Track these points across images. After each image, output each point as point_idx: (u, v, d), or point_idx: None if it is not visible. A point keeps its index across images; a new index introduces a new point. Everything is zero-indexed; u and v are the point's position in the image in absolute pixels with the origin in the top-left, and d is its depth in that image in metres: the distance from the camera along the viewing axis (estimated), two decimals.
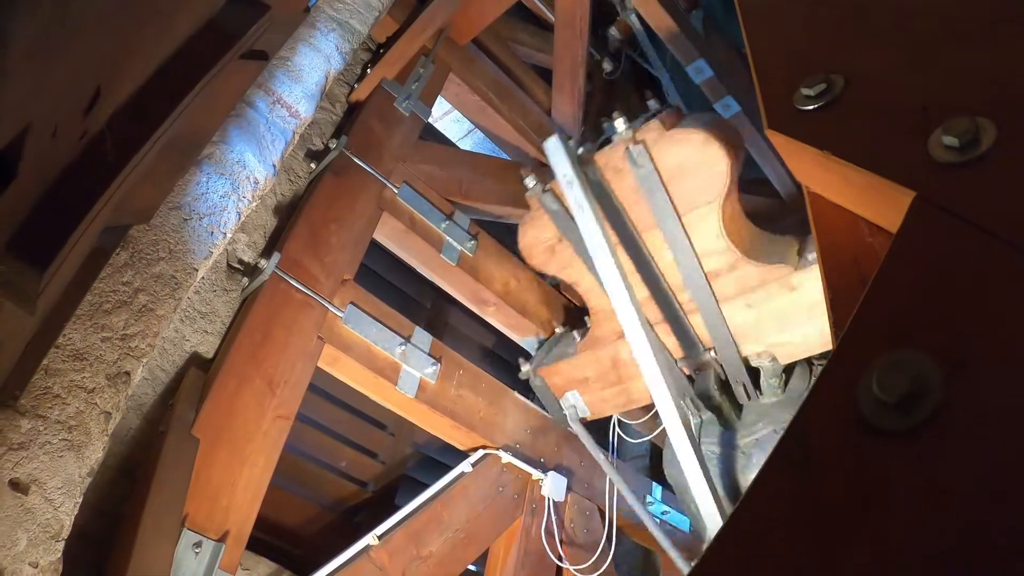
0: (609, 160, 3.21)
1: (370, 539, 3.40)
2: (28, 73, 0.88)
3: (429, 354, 3.89)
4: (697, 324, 3.43)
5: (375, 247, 4.18)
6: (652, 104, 3.39)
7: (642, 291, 3.40)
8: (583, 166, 3.13)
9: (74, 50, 0.99)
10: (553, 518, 4.24)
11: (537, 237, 3.56)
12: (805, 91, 0.94)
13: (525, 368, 4.13)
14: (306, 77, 3.38)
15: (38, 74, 0.91)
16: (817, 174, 0.95)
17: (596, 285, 3.46)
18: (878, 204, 0.85)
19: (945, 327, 0.68)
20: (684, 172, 3.06)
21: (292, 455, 4.62)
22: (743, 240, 3.23)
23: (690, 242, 3.20)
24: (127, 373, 2.50)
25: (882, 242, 0.86)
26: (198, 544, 2.75)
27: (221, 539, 2.82)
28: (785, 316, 3.17)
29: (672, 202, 3.13)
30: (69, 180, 1.32)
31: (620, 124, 3.08)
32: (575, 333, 4.11)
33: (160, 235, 2.66)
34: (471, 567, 4.35)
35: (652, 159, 3.08)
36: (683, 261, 3.24)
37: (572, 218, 3.14)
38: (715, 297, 3.27)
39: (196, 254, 2.72)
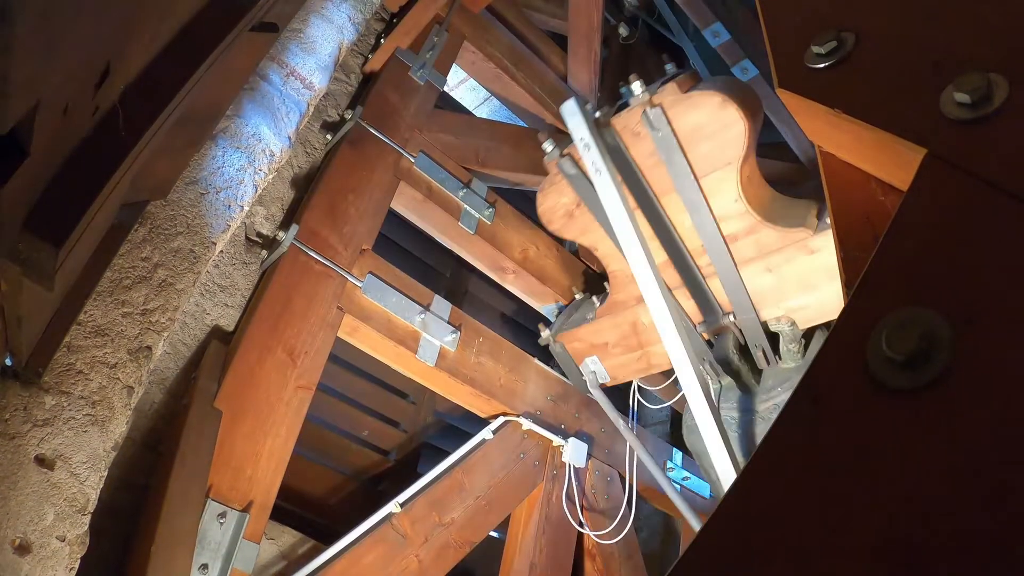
0: (627, 124, 3.20)
1: (392, 507, 3.43)
2: (36, 49, 0.88)
3: (448, 322, 3.90)
4: (716, 288, 3.43)
5: (393, 216, 4.18)
6: (670, 67, 3.36)
7: (660, 255, 3.39)
8: (600, 130, 3.12)
9: (82, 25, 0.99)
10: (574, 484, 4.26)
11: (556, 202, 3.57)
12: (816, 49, 0.93)
13: (545, 334, 4.13)
14: (319, 48, 3.38)
15: (46, 50, 0.92)
16: (829, 133, 0.94)
17: (615, 250, 3.46)
18: (890, 162, 0.84)
19: (955, 284, 0.68)
20: (701, 135, 3.05)
21: (315, 425, 4.64)
22: (762, 203, 3.22)
23: (708, 205, 3.19)
24: (148, 348, 2.52)
25: (894, 201, 0.85)
26: (223, 515, 2.77)
27: (245, 509, 2.85)
28: (804, 280, 3.16)
29: (690, 165, 3.13)
30: (82, 157, 1.32)
31: (637, 87, 3.08)
32: (595, 299, 4.12)
33: (178, 210, 2.68)
34: (493, 533, 4.37)
35: (669, 122, 3.07)
36: (702, 225, 3.23)
37: (590, 182, 3.14)
38: (734, 261, 3.27)
39: (214, 228, 2.73)
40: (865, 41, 0.91)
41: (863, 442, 0.64)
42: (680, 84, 3.06)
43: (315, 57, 3.34)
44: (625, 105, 3.21)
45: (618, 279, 3.69)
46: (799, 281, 3.17)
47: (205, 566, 2.72)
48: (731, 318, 3.45)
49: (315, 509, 4.50)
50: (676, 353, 3.01)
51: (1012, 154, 0.71)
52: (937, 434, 0.60)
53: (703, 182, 3.15)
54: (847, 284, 0.88)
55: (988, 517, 0.55)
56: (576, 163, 3.31)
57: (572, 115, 3.01)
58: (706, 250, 3.29)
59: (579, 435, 4.41)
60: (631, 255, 3.05)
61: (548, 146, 3.41)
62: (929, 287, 0.70)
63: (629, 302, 3.67)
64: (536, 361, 4.40)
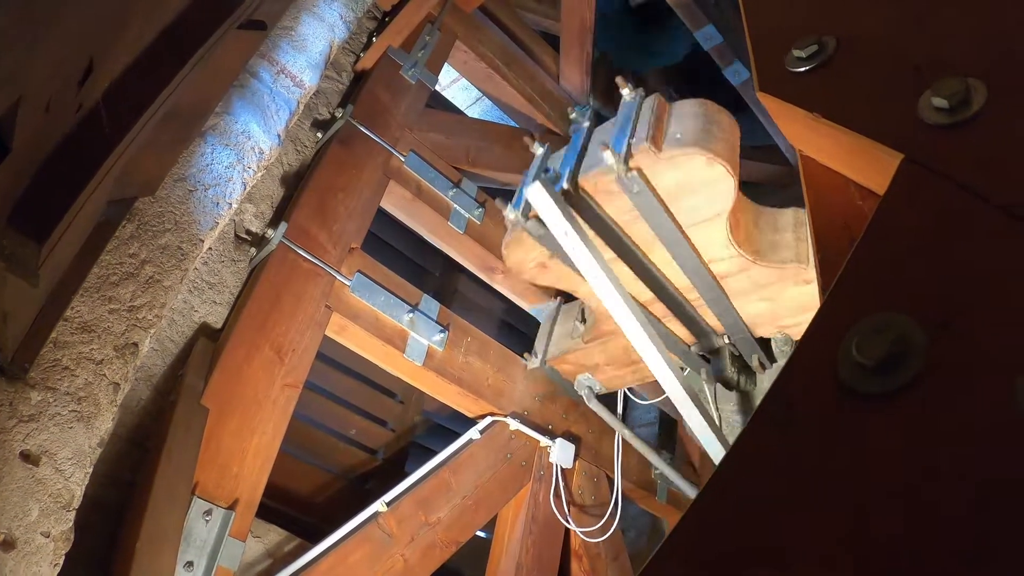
0: (599, 184, 2.98)
1: (378, 506, 3.43)
2: (18, 42, 0.88)
3: (437, 321, 3.90)
4: (708, 316, 3.42)
5: (383, 215, 4.18)
6: (626, 94, 3.17)
7: (646, 294, 3.36)
8: (570, 198, 2.98)
9: (65, 20, 0.99)
10: (561, 485, 4.26)
11: (524, 256, 3.44)
12: (797, 53, 0.94)
13: (532, 362, 4.12)
14: (310, 46, 3.38)
15: (29, 43, 0.92)
16: (809, 137, 0.95)
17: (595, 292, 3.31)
18: (868, 167, 0.84)
19: (929, 289, 0.68)
20: (685, 191, 2.89)
21: (303, 424, 4.65)
22: (752, 242, 3.15)
23: (697, 253, 3.11)
24: (135, 344, 2.52)
25: (871, 205, 0.85)
26: (208, 512, 2.77)
27: (231, 507, 2.84)
28: (800, 304, 3.15)
29: (673, 219, 2.98)
30: (66, 153, 1.32)
31: (608, 156, 2.78)
32: (577, 323, 4.07)
33: (166, 207, 2.67)
34: (480, 533, 4.38)
35: (647, 182, 2.86)
36: (690, 269, 3.17)
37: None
38: (727, 296, 3.24)
39: (201, 225, 2.73)
40: (846, 45, 0.91)
41: (832, 446, 0.64)
42: (654, 141, 2.81)
43: (306, 55, 3.34)
44: (596, 163, 2.98)
45: (603, 312, 3.62)
46: (795, 306, 3.16)
47: (190, 564, 2.72)
48: (725, 339, 3.45)
49: (302, 507, 4.50)
50: (668, 384, 3.02)
51: (988, 159, 0.71)
52: (908, 439, 0.60)
53: (689, 231, 3.04)
54: (823, 289, 0.89)
55: (959, 521, 0.55)
56: (543, 224, 3.07)
57: (539, 198, 2.84)
58: (696, 287, 3.25)
59: (567, 436, 4.42)
60: (611, 306, 3.00)
61: (510, 213, 3.15)
62: (902, 292, 0.70)
63: (617, 331, 3.62)
64: (524, 361, 4.40)
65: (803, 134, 0.95)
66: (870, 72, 0.87)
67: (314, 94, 3.68)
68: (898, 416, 0.62)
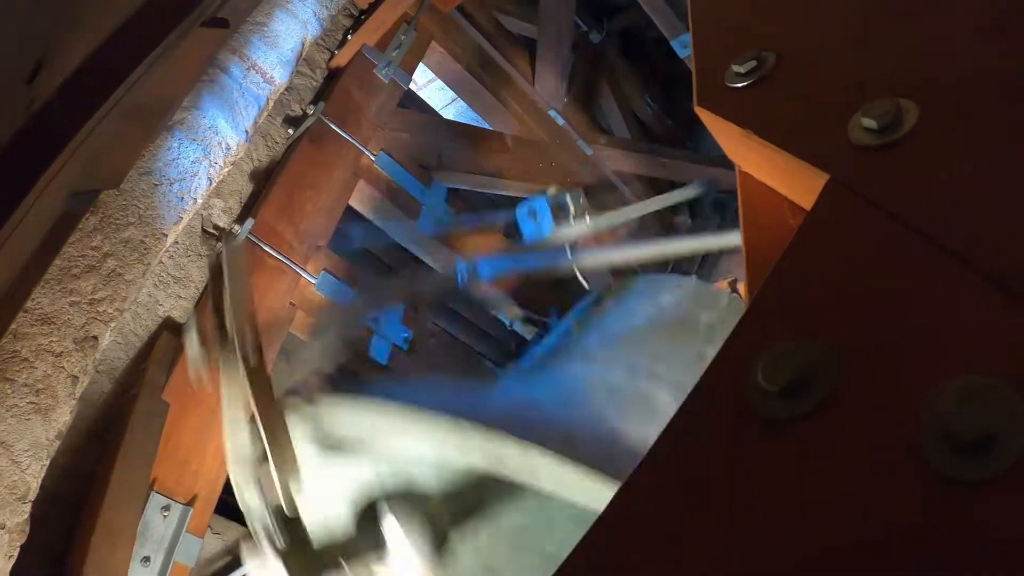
0: None
1: None
2: None
3: (402, 322, 3.90)
4: None
5: (351, 214, 4.17)
6: None
7: None
8: None
9: (7, 23, 0.99)
10: None
11: None
12: (736, 68, 0.92)
13: None
14: (282, 43, 3.37)
15: None
16: (744, 153, 0.95)
17: None
18: (798, 187, 0.84)
19: (842, 315, 0.68)
20: None
21: None
22: None
23: None
24: (95, 337, 2.50)
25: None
26: (166, 508, 2.76)
27: (189, 503, 2.84)
28: None
29: None
30: (17, 148, 1.32)
31: None
32: None
33: (130, 200, 2.66)
34: None
35: None
36: None
37: None
38: None
39: (166, 219, 2.72)
40: (785, 62, 0.91)
41: (736, 469, 0.64)
42: None
43: (277, 51, 3.33)
44: None
45: None
46: None
47: (147, 559, 2.71)
48: None
49: None
50: None
51: (912, 183, 0.71)
52: (810, 464, 0.60)
53: None
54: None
55: (853, 547, 0.55)
56: None
57: None
58: None
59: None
60: None
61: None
62: (815, 317, 0.70)
63: None
64: (488, 364, 4.41)
65: (739, 150, 0.94)
66: (805, 90, 0.87)
67: (287, 90, 3.67)
68: (801, 442, 0.62)
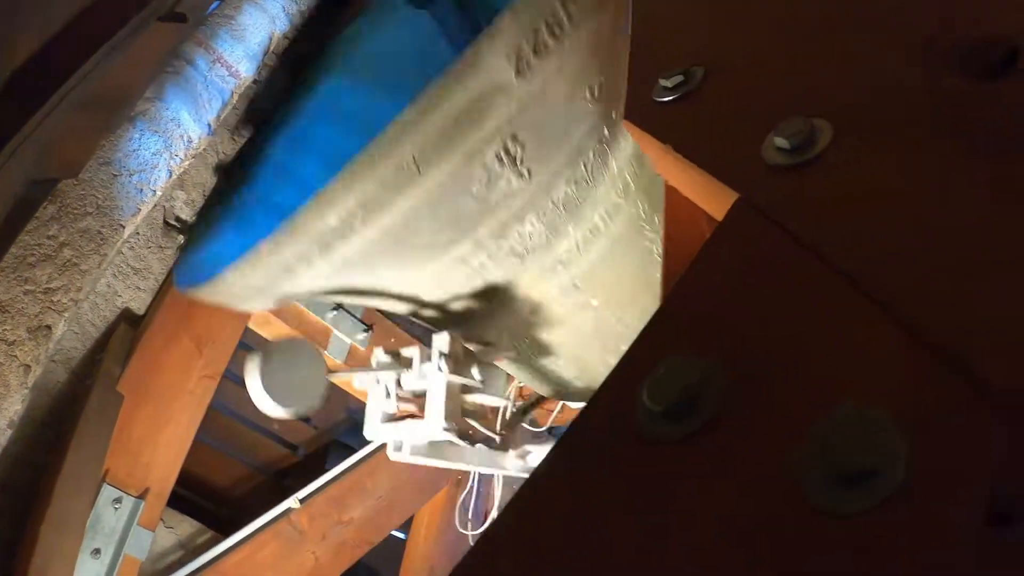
0: None
1: (291, 502, 3.43)
2: None
3: (360, 320, 3.89)
4: None
5: None
6: None
7: None
8: None
9: None
10: (480, 490, 4.27)
11: None
12: (663, 82, 0.91)
13: None
14: (249, 37, 3.34)
15: None
16: (667, 168, 0.93)
17: None
18: (715, 204, 0.82)
19: (733, 335, 0.67)
20: None
21: (225, 416, 4.61)
22: None
23: None
24: (48, 327, 2.48)
25: None
26: (118, 500, 2.75)
27: (141, 496, 2.83)
28: None
29: None
30: None
31: None
32: None
33: (88, 190, 2.64)
34: (396, 533, 4.37)
35: None
36: None
37: None
38: None
39: (124, 211, 2.70)
40: (712, 77, 0.89)
41: (622, 488, 0.63)
42: None
43: (244, 45, 3.31)
44: None
45: None
46: None
47: (97, 551, 2.70)
48: None
49: (220, 500, 4.48)
50: None
51: (817, 206, 0.70)
52: (686, 490, 0.59)
53: None
54: None
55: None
56: None
57: None
58: None
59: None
60: None
61: None
62: (706, 336, 0.69)
63: None
64: None
65: (663, 164, 0.93)
66: (727, 107, 0.86)
67: (255, 83, 3.65)
68: (685, 463, 0.61)
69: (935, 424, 0.51)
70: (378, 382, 2.85)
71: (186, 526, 3.63)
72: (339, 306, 3.73)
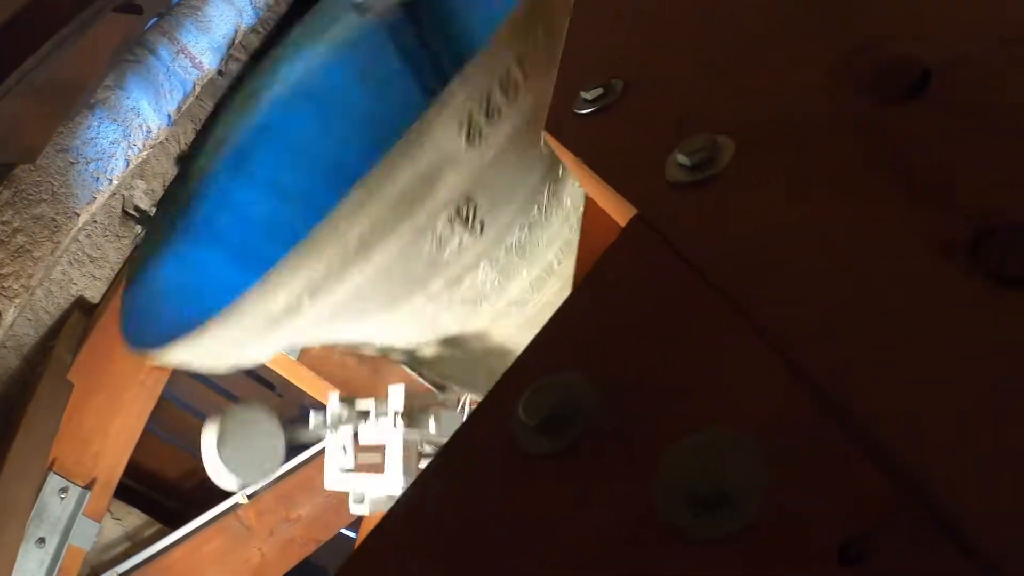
0: None
1: (239, 497, 3.42)
2: None
3: None
4: None
5: None
6: None
7: None
8: None
9: None
10: None
11: None
12: (583, 94, 0.89)
13: None
14: (215, 29, 3.33)
15: None
16: (584, 180, 0.92)
17: None
18: (622, 220, 0.80)
19: (610, 353, 0.66)
20: None
21: (178, 409, 4.59)
22: None
23: None
24: None
25: None
26: (64, 489, 2.73)
27: (88, 486, 2.81)
28: None
29: None
30: None
31: None
32: None
33: (44, 176, 2.62)
34: (346, 532, 4.36)
35: None
36: None
37: None
38: None
39: (79, 198, 2.69)
40: (630, 91, 0.88)
41: (501, 503, 0.63)
42: None
43: (209, 37, 3.30)
44: None
45: None
46: None
47: (42, 540, 2.68)
48: None
49: (170, 492, 4.44)
50: None
51: (708, 224, 0.69)
52: (555, 507, 0.59)
53: None
54: None
55: None
56: None
57: None
58: None
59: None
60: None
61: None
62: (584, 352, 0.68)
63: None
64: (402, 366, 4.40)
65: (582, 176, 0.92)
66: (639, 121, 0.85)
67: (219, 75, 3.64)
68: (558, 478, 0.60)
69: (798, 459, 0.51)
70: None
71: (133, 518, 3.60)
72: None
